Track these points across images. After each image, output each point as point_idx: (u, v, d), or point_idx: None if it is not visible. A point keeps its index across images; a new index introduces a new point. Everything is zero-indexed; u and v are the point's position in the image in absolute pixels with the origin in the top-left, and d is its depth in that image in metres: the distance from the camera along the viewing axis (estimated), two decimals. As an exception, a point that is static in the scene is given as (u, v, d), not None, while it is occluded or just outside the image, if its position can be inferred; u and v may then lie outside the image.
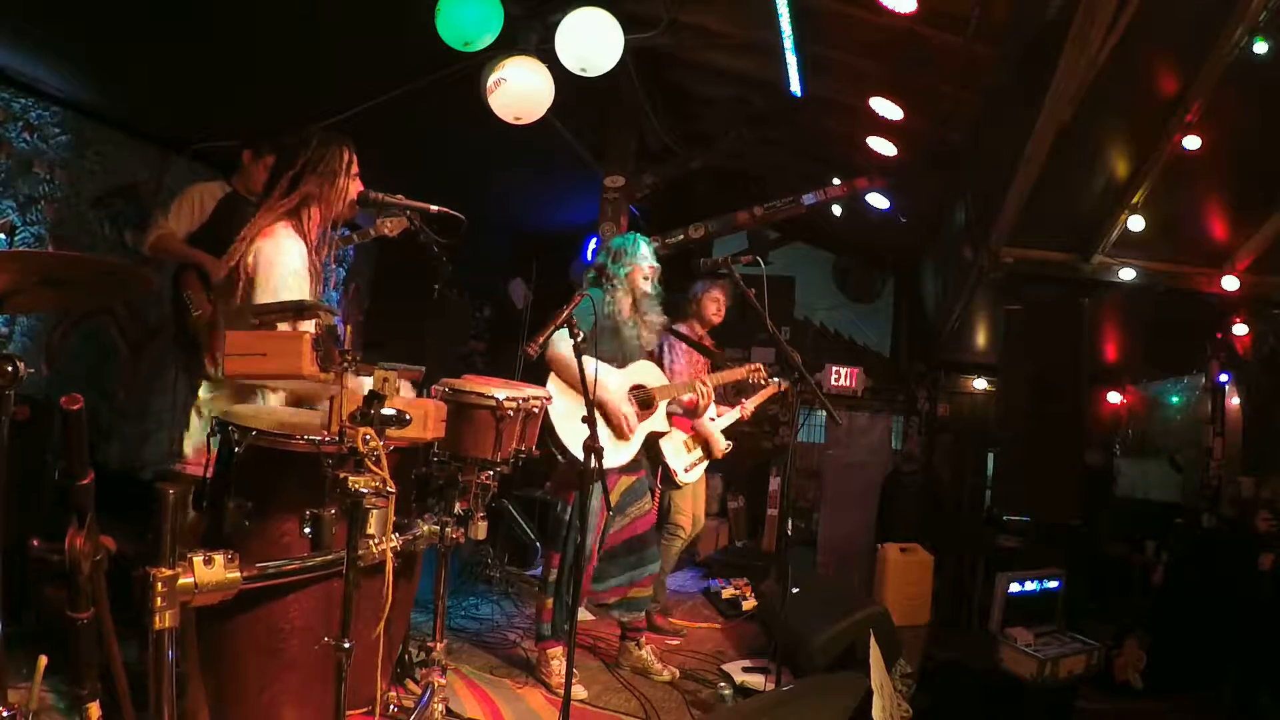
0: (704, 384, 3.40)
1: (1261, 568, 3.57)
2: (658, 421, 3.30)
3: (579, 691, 2.94)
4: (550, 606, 3.06)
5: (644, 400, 3.27)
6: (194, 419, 2.06)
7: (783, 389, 3.88)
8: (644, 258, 3.23)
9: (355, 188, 2.23)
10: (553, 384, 3.00)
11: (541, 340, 2.62)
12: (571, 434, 2.95)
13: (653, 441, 3.38)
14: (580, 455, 2.87)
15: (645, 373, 3.31)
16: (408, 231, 2.30)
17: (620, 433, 3.12)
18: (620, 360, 3.21)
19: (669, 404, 3.40)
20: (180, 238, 3.35)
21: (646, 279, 3.24)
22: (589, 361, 2.57)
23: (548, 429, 2.91)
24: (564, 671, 2.97)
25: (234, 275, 2.02)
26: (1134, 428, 6.18)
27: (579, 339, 2.45)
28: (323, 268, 2.27)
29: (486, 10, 3.37)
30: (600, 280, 3.25)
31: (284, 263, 2.00)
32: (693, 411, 3.61)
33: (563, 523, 3.11)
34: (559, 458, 3.06)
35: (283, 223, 2.08)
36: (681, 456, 3.67)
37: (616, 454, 3.11)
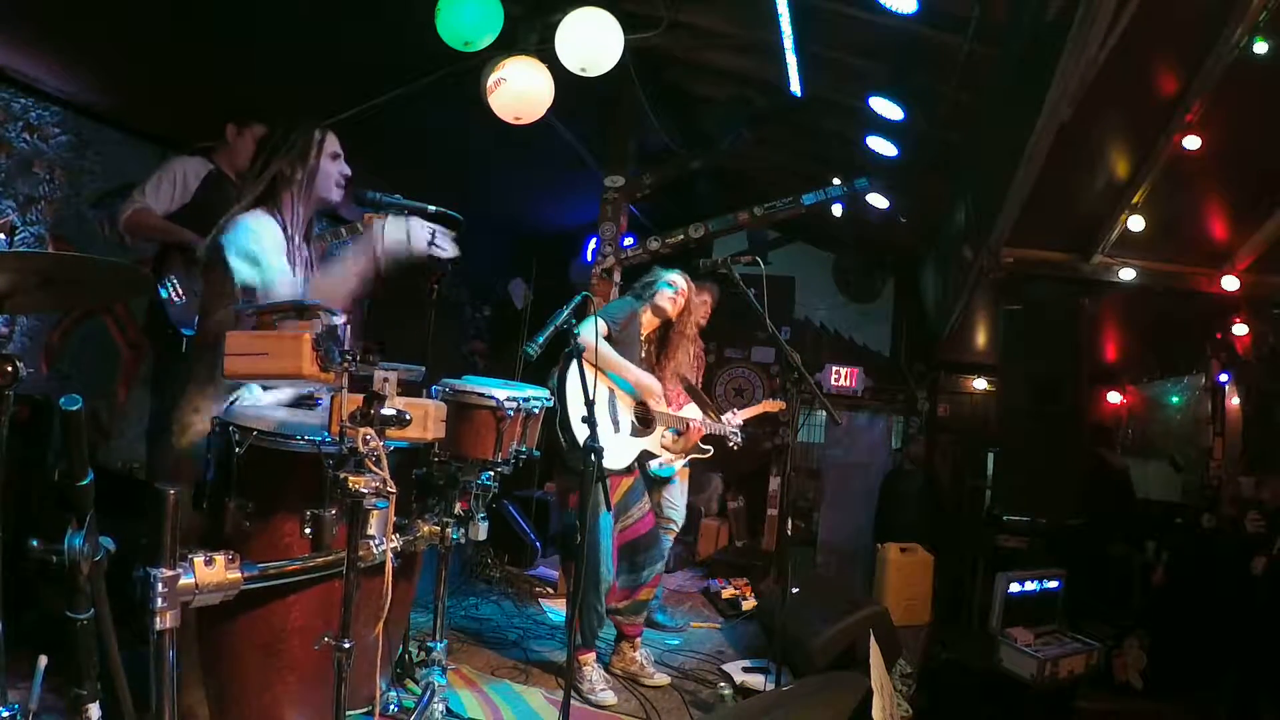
0: (697, 426, 3.45)
1: (1255, 571, 3.56)
2: (653, 443, 3.32)
3: (608, 698, 2.96)
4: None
5: (644, 419, 3.28)
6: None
7: (778, 410, 4.12)
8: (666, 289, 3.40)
9: (337, 169, 2.17)
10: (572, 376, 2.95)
11: (544, 340, 2.61)
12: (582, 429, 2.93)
13: (644, 458, 3.40)
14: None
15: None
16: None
17: (653, 401, 3.24)
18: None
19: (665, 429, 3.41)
20: (159, 215, 3.13)
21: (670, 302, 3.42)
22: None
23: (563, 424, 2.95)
24: (594, 679, 3.00)
25: (214, 256, 1.98)
26: (1134, 428, 6.18)
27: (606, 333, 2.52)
28: (309, 255, 2.20)
29: (486, 10, 3.36)
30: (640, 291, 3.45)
31: (261, 240, 1.97)
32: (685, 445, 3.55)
33: (574, 529, 3.09)
34: (567, 461, 3.03)
35: (259, 207, 2.06)
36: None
37: (615, 458, 3.10)
